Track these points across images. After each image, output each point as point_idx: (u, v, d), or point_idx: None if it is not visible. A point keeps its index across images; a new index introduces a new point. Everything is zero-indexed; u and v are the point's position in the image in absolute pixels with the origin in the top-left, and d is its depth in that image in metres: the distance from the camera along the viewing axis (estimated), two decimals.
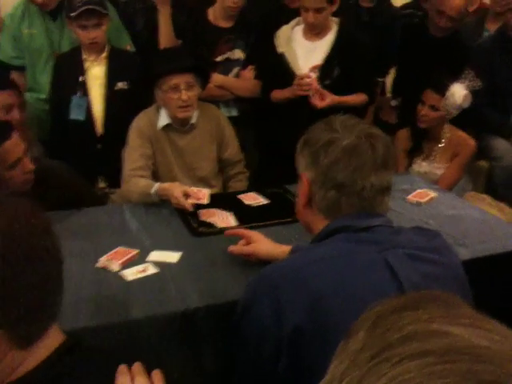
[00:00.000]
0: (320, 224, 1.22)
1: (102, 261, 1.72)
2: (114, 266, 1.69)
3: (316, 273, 1.10)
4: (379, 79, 3.55)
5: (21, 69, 3.03)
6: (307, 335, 1.05)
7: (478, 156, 3.27)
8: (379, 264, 1.11)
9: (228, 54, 2.95)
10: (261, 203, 2.26)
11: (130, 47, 3.10)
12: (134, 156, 2.41)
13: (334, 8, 2.67)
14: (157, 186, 2.20)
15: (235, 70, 2.98)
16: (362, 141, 1.17)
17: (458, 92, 2.75)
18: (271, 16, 3.15)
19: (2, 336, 0.79)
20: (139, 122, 2.49)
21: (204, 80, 2.53)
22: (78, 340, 0.89)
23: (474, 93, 2.78)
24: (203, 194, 2.19)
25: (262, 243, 1.67)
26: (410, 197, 2.28)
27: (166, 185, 2.21)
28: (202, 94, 2.55)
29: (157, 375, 0.85)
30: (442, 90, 2.80)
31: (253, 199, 2.29)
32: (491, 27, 3.67)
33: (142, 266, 1.71)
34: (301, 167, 1.25)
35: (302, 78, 2.64)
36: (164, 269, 1.70)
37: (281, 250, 1.60)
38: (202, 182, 2.54)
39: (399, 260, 1.12)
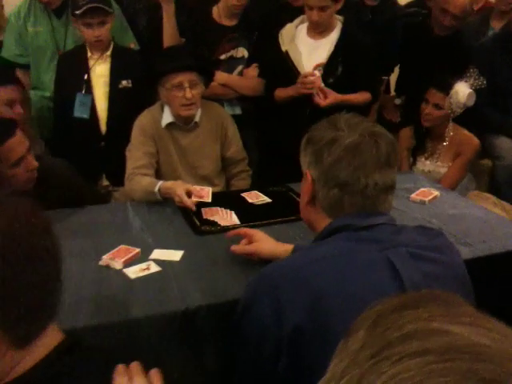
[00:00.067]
0: (323, 222, 1.22)
1: (105, 259, 1.72)
2: (117, 264, 1.69)
3: (316, 272, 1.10)
4: (383, 77, 3.54)
5: (25, 67, 3.04)
6: (307, 335, 1.05)
7: (481, 155, 3.27)
8: (380, 263, 1.11)
9: (232, 52, 2.95)
10: (264, 201, 2.26)
11: (134, 45, 3.10)
12: (137, 154, 2.42)
13: (339, 6, 2.66)
14: (159, 184, 2.20)
15: (239, 68, 2.98)
16: (366, 139, 1.16)
17: (462, 90, 2.74)
18: (275, 14, 3.14)
19: (1, 337, 0.79)
20: (143, 120, 2.49)
21: (207, 78, 2.53)
22: (77, 339, 0.88)
23: (477, 92, 2.77)
24: (206, 193, 2.19)
25: (265, 242, 1.66)
26: (413, 195, 2.28)
27: (169, 183, 2.21)
28: (206, 92, 2.55)
29: (155, 375, 0.84)
30: (445, 88, 2.79)
31: (256, 197, 2.29)
32: (496, 25, 3.66)
33: (145, 264, 1.71)
34: (304, 165, 1.25)
35: (305, 76, 2.64)
36: (166, 267, 1.70)
37: (283, 248, 1.60)
38: (205, 180, 2.54)
39: (401, 259, 1.12)
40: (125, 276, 1.65)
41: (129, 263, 1.71)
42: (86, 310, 1.48)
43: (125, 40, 3.06)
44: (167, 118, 2.48)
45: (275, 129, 2.85)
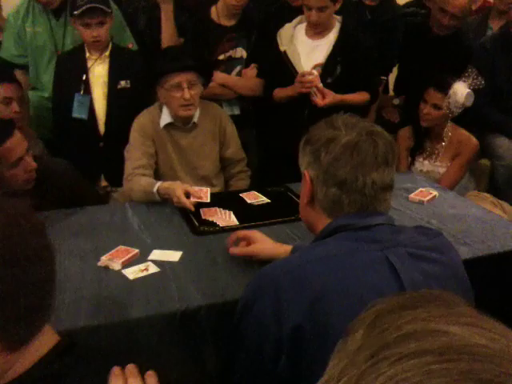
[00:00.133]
0: (322, 223, 1.22)
1: (104, 259, 1.72)
2: (116, 265, 1.69)
3: (316, 272, 1.09)
4: (382, 77, 3.54)
5: (24, 67, 3.04)
6: (307, 334, 1.05)
7: (481, 155, 3.27)
8: (380, 263, 1.11)
9: (230, 53, 2.95)
10: (263, 202, 2.26)
11: (132, 45, 3.10)
12: (136, 154, 2.41)
13: (337, 6, 2.66)
14: (158, 184, 2.20)
15: (238, 68, 2.98)
16: (363, 138, 1.16)
17: (461, 90, 2.74)
18: (273, 14, 3.14)
19: None
20: (141, 121, 2.49)
21: (206, 78, 2.53)
22: (72, 340, 0.87)
23: (476, 92, 2.77)
24: (204, 193, 2.19)
25: (263, 243, 1.66)
26: (412, 195, 2.28)
27: (167, 184, 2.21)
28: (205, 92, 2.55)
29: (151, 377, 0.83)
30: (444, 88, 2.79)
31: (254, 198, 2.29)
32: (495, 25, 3.66)
33: (144, 264, 1.71)
34: (303, 166, 1.25)
35: (304, 75, 2.64)
36: (165, 268, 1.70)
37: (283, 249, 1.60)
38: (204, 180, 2.54)
39: (401, 259, 1.12)
40: (124, 276, 1.65)
41: (127, 264, 1.71)
42: (86, 310, 1.48)
43: (123, 40, 3.06)
44: (166, 118, 2.47)
45: (274, 129, 2.85)
